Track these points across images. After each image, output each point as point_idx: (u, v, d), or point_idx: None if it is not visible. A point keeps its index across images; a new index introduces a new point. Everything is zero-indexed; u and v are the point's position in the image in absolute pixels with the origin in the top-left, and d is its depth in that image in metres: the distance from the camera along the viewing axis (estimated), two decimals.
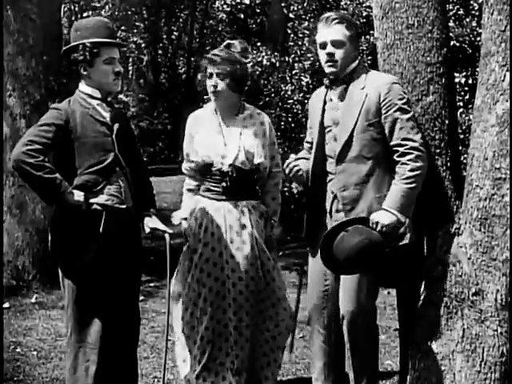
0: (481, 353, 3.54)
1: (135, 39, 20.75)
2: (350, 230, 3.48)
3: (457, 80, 6.94)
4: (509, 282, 3.49)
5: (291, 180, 8.10)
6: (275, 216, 4.18)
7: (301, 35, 8.60)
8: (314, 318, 3.83)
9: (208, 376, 4.01)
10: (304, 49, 8.40)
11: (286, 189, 8.35)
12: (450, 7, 7.50)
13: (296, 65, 8.46)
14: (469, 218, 3.57)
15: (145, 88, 20.88)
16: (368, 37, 7.80)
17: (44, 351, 5.28)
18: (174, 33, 21.32)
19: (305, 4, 9.02)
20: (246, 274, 3.98)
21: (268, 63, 8.47)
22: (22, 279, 7.26)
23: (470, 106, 6.69)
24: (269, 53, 8.67)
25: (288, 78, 8.42)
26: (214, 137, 4.02)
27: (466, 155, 4.02)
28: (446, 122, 3.73)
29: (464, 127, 6.68)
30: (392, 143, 3.54)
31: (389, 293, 6.52)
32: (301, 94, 8.28)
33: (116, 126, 3.74)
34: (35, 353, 5.25)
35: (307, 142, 3.92)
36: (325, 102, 3.72)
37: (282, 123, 8.36)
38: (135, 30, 20.50)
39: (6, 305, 6.55)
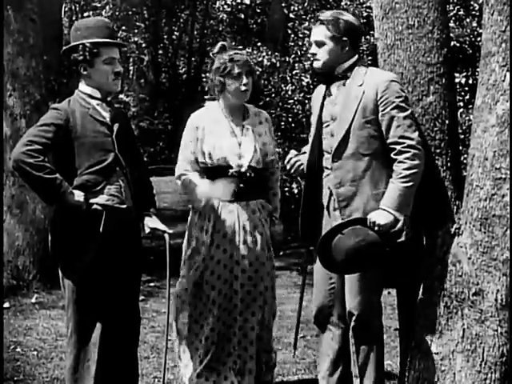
0: (481, 353, 3.54)
1: (136, 39, 20.75)
2: (347, 232, 3.49)
3: (457, 80, 6.94)
4: (509, 282, 3.49)
5: (292, 179, 8.13)
6: (276, 212, 4.20)
7: (301, 35, 8.60)
8: (320, 316, 3.84)
9: (210, 375, 4.01)
10: (304, 49, 8.39)
11: (286, 189, 8.35)
12: (451, 7, 7.50)
13: (296, 65, 8.46)
14: (469, 218, 3.57)
15: (145, 88, 20.88)
16: (368, 37, 7.80)
17: (44, 351, 5.28)
18: (175, 33, 21.32)
19: (305, 4, 9.03)
20: (255, 274, 4.00)
21: (268, 63, 8.47)
22: (22, 279, 7.26)
23: (471, 106, 6.69)
24: (269, 53, 8.67)
25: (288, 78, 8.42)
26: (228, 139, 4.00)
27: (466, 155, 4.02)
28: (447, 122, 3.73)
29: (464, 127, 6.68)
30: (389, 141, 3.54)
31: (389, 293, 6.51)
32: (301, 94, 8.28)
33: (116, 125, 3.74)
34: (35, 353, 5.25)
35: (310, 137, 3.94)
36: (324, 97, 3.74)
37: (283, 123, 8.36)
38: (136, 30, 20.49)
39: (6, 305, 6.55)
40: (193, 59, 20.58)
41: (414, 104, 3.71)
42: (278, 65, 8.60)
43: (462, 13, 7.71)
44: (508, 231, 3.46)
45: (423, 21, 3.71)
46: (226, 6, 11.01)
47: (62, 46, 7.62)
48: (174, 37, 21.26)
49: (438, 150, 3.72)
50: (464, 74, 7.37)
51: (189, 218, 4.17)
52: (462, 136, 5.74)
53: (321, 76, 3.79)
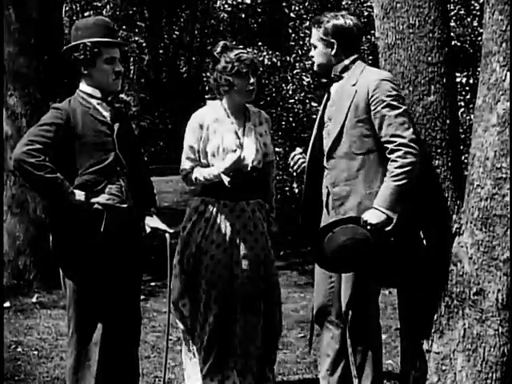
0: (482, 352, 3.54)
1: (136, 39, 20.76)
2: (337, 231, 3.50)
3: (458, 80, 6.94)
4: (510, 281, 3.49)
5: (292, 178, 8.13)
6: (272, 213, 4.20)
7: (302, 35, 8.61)
8: (320, 316, 3.85)
9: (215, 376, 4.02)
10: (305, 48, 8.40)
11: (286, 188, 8.35)
12: (451, 7, 7.50)
13: (297, 64, 8.46)
14: (470, 218, 3.57)
15: (146, 87, 20.88)
16: (369, 36, 7.80)
17: (45, 350, 5.29)
18: (175, 32, 21.34)
19: (306, 4, 9.03)
20: (255, 273, 4.00)
21: (269, 63, 8.47)
22: (22, 279, 7.26)
23: (471, 105, 6.69)
24: (270, 52, 8.67)
25: (289, 78, 8.42)
26: (231, 139, 4.00)
27: (467, 155, 4.02)
28: (447, 121, 3.73)
29: (465, 127, 6.68)
30: (382, 140, 3.55)
31: (390, 292, 6.51)
32: (302, 94, 8.29)
33: (116, 125, 3.74)
34: (36, 352, 5.25)
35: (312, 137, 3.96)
36: (327, 99, 3.77)
37: (283, 123, 8.36)
38: (136, 30, 20.50)
39: (7, 304, 6.55)
40: (193, 59, 20.60)
41: (415, 103, 3.71)
42: (278, 64, 8.60)
43: (462, 12, 7.72)
44: (509, 231, 3.46)
45: (424, 20, 3.71)
46: (226, 6, 11.00)
47: (63, 45, 7.61)
48: (174, 36, 21.28)
49: (438, 150, 3.71)
50: (465, 73, 7.37)
51: (186, 215, 4.14)
52: (463, 136, 5.75)
53: (321, 78, 3.83)
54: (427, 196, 3.68)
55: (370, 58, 7.62)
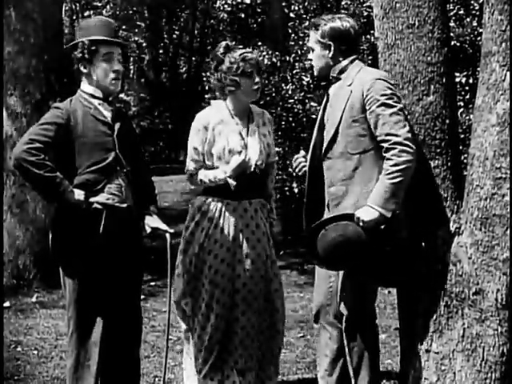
0: (481, 352, 3.54)
1: (136, 38, 20.76)
2: (329, 228, 3.51)
3: (457, 80, 6.94)
4: (509, 281, 3.49)
5: (292, 178, 8.13)
6: (272, 213, 4.20)
7: (301, 35, 8.59)
8: (319, 315, 3.85)
9: (215, 375, 4.02)
10: (305, 48, 8.39)
11: (286, 188, 8.34)
12: (451, 7, 7.49)
13: (297, 64, 8.45)
14: (469, 218, 3.57)
15: (146, 87, 20.87)
16: (368, 37, 7.80)
17: (45, 350, 5.29)
18: (175, 32, 21.33)
19: (305, 3, 9.01)
20: (257, 272, 4.00)
21: (269, 63, 8.46)
22: (22, 278, 7.27)
23: (471, 105, 6.68)
24: (269, 52, 8.66)
25: (289, 78, 8.41)
26: (236, 141, 4.00)
27: (466, 155, 4.02)
28: (447, 121, 3.73)
29: (464, 127, 6.67)
30: (378, 139, 3.55)
31: (389, 292, 6.52)
32: (301, 94, 8.27)
33: (117, 125, 3.74)
34: (36, 352, 5.26)
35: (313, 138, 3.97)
36: (327, 100, 3.78)
37: (283, 123, 8.35)
38: (136, 30, 20.50)
39: (7, 304, 6.56)
40: (193, 59, 20.58)
41: (414, 103, 3.71)
42: (278, 64, 8.59)
43: (462, 12, 7.71)
44: (508, 231, 3.46)
45: (423, 20, 3.71)
46: (226, 6, 10.99)
47: (63, 45, 7.64)
48: (174, 36, 21.27)
49: (438, 150, 3.72)
50: (464, 73, 7.36)
51: (188, 214, 4.14)
52: (463, 135, 5.74)
53: (321, 80, 3.85)
54: (425, 195, 3.68)
55: (370, 58, 7.61)
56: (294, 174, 3.98)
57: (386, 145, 3.50)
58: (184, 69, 21.30)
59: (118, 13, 18.98)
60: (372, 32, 7.23)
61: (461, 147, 4.04)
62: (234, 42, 6.22)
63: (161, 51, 21.25)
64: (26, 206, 7.32)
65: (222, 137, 4.00)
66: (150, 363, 4.97)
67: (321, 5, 8.78)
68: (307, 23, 8.40)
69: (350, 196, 3.59)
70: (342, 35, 3.68)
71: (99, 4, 19.60)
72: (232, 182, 3.90)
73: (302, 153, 3.87)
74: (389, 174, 3.47)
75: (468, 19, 7.59)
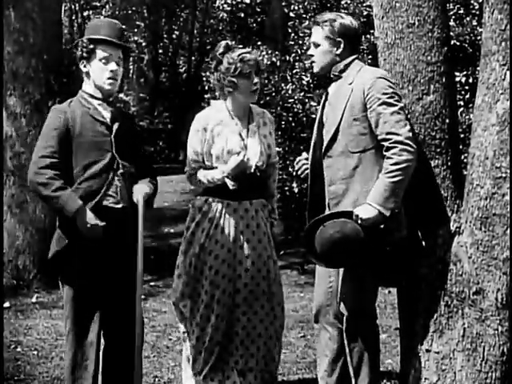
0: (481, 352, 3.54)
1: (136, 38, 20.77)
2: (327, 224, 3.51)
3: (457, 79, 6.93)
4: (509, 281, 3.49)
5: (292, 178, 8.12)
6: (274, 213, 4.20)
7: (301, 34, 8.59)
8: (319, 315, 3.85)
9: (215, 375, 4.01)
10: (305, 48, 8.38)
11: (286, 188, 8.34)
12: (451, 6, 7.49)
13: (296, 64, 8.44)
14: (469, 217, 3.57)
15: (145, 87, 20.89)
16: (368, 36, 7.79)
17: (44, 350, 5.29)
18: (175, 32, 21.33)
19: (305, 3, 9.01)
20: (258, 273, 4.00)
21: (268, 62, 8.45)
22: (22, 279, 7.27)
23: (471, 105, 6.68)
24: (269, 52, 8.66)
25: (288, 78, 8.40)
26: (235, 142, 3.99)
27: (466, 154, 4.02)
28: (447, 121, 3.73)
29: (464, 126, 6.67)
30: (378, 138, 3.55)
31: (389, 292, 6.52)
32: (301, 94, 8.27)
33: (115, 125, 3.74)
34: (36, 352, 5.25)
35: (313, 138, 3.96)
36: (326, 99, 3.77)
37: (283, 122, 8.34)
38: (136, 29, 20.51)
39: (7, 304, 6.56)
40: (193, 58, 20.59)
41: (414, 103, 3.71)
42: (278, 64, 8.59)
43: (462, 12, 7.70)
44: (508, 230, 3.46)
45: (423, 20, 3.71)
46: (225, 5, 11.00)
47: (62, 45, 7.64)
48: (173, 36, 21.28)
49: (438, 149, 3.71)
50: (464, 72, 7.36)
51: (189, 214, 4.13)
52: (463, 135, 5.73)
53: (320, 78, 3.82)
54: (425, 195, 3.68)
55: (370, 57, 7.60)
56: (294, 173, 3.97)
57: (386, 143, 3.50)
58: (183, 68, 21.31)
59: (117, 12, 18.98)
60: (372, 31, 7.23)
61: (461, 147, 4.04)
62: (233, 42, 6.22)
63: (160, 51, 21.26)
64: (26, 206, 7.32)
65: (221, 138, 3.99)
66: (150, 363, 4.97)
67: (321, 4, 8.77)
68: (307, 23, 8.40)
69: (349, 194, 3.59)
70: (351, 33, 3.67)
71: (98, 4, 19.60)
72: (230, 182, 3.90)
73: (305, 155, 3.87)
74: (389, 172, 3.47)
75: (468, 18, 7.58)
